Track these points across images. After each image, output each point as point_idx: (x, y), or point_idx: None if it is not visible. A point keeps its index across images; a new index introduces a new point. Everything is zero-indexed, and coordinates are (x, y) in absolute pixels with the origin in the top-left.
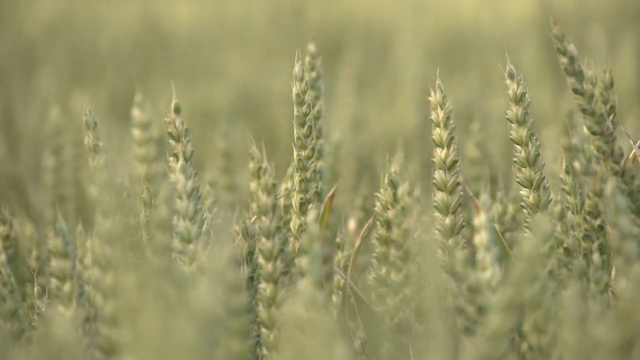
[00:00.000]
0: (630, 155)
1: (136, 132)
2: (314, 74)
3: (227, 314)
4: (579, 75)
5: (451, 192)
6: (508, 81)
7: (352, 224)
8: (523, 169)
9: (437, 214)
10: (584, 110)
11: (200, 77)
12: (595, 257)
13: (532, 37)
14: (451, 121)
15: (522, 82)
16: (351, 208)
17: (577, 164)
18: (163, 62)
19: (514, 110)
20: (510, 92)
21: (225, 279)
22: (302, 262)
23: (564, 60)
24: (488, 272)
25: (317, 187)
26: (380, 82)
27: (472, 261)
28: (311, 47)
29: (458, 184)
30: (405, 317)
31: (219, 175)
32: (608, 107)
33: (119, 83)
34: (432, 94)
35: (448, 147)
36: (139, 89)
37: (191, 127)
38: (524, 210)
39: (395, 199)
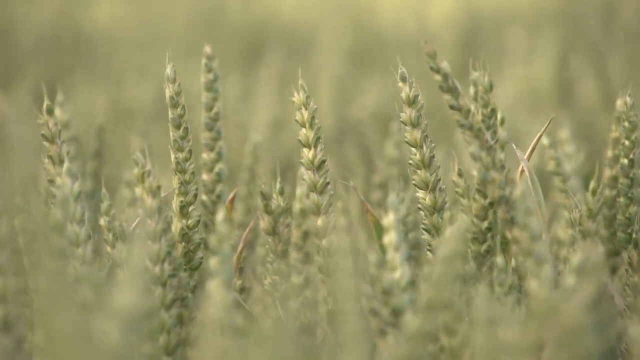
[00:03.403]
0: (519, 170)
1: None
2: (210, 76)
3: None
4: (454, 91)
5: (321, 192)
6: (400, 84)
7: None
8: (418, 171)
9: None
10: (461, 126)
11: (120, 77)
12: (499, 259)
13: (453, 39)
14: (316, 121)
15: (414, 84)
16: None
17: (475, 172)
18: (84, 62)
19: (408, 113)
20: (403, 94)
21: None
22: (212, 262)
23: (437, 77)
24: (397, 272)
25: (196, 189)
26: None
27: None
28: (207, 49)
29: (328, 183)
30: (307, 320)
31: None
32: (489, 109)
33: (38, 83)
34: (296, 94)
35: (315, 147)
36: (58, 89)
37: (110, 126)
38: (421, 212)
39: (267, 208)
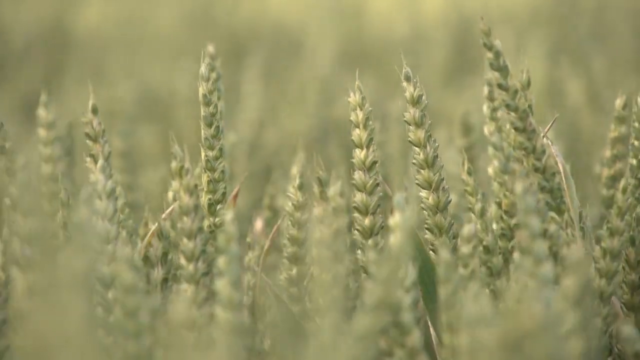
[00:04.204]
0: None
1: (42, 132)
2: (213, 75)
3: (123, 315)
4: (504, 70)
5: (370, 192)
6: (405, 84)
7: (258, 224)
8: (422, 171)
9: (356, 214)
10: (507, 106)
11: (109, 78)
12: (516, 255)
13: (444, 39)
14: (370, 122)
15: (418, 84)
16: (256, 208)
17: (495, 162)
18: (74, 63)
19: (412, 113)
20: (407, 94)
21: (122, 280)
22: (219, 261)
23: (489, 55)
24: (401, 272)
25: (225, 187)
26: (290, 83)
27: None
28: (210, 48)
29: (377, 184)
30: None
31: (119, 175)
32: (527, 106)
33: (27, 84)
34: (352, 94)
35: (367, 147)
36: (46, 89)
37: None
38: (424, 211)
39: (322, 195)
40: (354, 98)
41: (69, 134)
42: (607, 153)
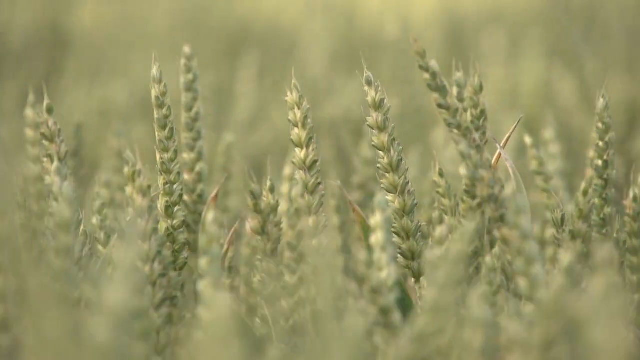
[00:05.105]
0: (495, 157)
1: (29, 132)
2: (190, 76)
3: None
4: (442, 90)
5: (312, 192)
6: (366, 88)
7: (249, 225)
8: (387, 175)
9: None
10: (449, 125)
11: (104, 77)
12: (488, 259)
13: (436, 40)
14: (309, 120)
15: (380, 88)
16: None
17: (463, 170)
18: (70, 63)
19: (374, 117)
20: (369, 98)
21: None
22: (201, 262)
23: (426, 76)
24: (384, 272)
25: (181, 189)
26: (283, 83)
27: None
28: (186, 49)
29: (319, 183)
30: (301, 319)
31: (113, 175)
32: (478, 111)
33: (25, 83)
34: (289, 93)
35: (307, 147)
36: (41, 89)
37: (92, 126)
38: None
39: (256, 207)
40: (291, 97)
41: (77, 134)
42: (591, 154)
